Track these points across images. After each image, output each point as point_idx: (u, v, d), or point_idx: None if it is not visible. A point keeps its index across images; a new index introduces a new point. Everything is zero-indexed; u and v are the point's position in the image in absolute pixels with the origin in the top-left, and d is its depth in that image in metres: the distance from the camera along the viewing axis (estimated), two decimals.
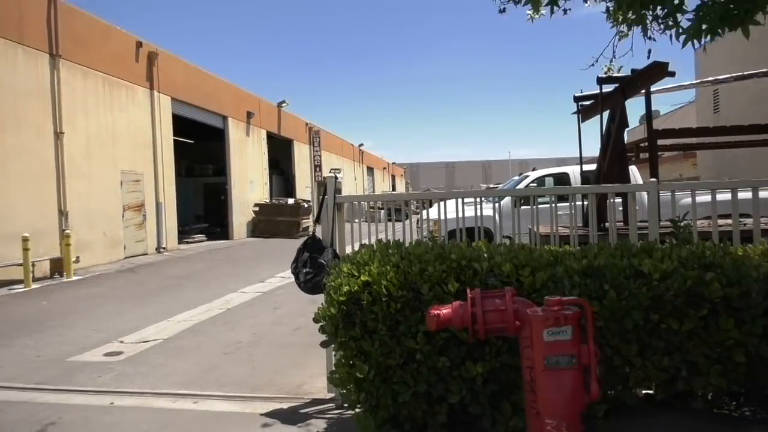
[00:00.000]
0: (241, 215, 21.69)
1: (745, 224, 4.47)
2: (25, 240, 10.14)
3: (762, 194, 4.01)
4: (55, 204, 12.14)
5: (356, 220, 4.74)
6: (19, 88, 11.30)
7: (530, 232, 4.55)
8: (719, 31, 3.11)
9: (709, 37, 3.14)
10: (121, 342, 6.30)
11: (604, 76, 5.43)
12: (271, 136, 25.19)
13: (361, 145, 42.97)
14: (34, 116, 11.66)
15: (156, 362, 5.50)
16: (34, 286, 10.33)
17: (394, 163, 60.76)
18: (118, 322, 7.25)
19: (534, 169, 12.04)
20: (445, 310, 2.73)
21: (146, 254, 15.28)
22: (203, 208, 24.76)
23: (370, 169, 47.88)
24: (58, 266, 11.50)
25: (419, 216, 6.25)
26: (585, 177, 7.19)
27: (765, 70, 10.11)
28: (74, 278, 11.29)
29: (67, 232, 11.52)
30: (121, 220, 14.43)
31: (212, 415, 4.09)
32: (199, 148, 22.84)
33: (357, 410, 3.35)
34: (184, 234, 18.84)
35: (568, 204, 4.70)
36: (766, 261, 3.04)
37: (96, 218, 13.32)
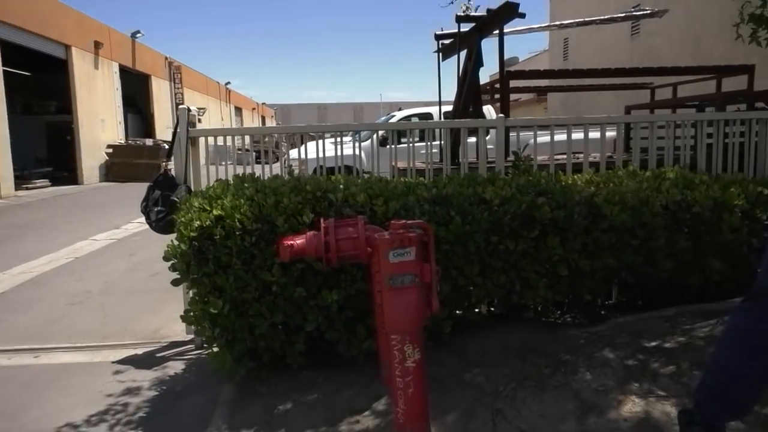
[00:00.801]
0: (91, 158, 19.76)
1: (577, 157, 4.95)
2: None
3: (592, 134, 4.45)
4: None
5: (222, 163, 4.54)
6: None
7: (390, 167, 4.67)
8: None
9: None
10: None
11: (463, 14, 5.57)
12: (125, 71, 22.89)
13: (227, 83, 40.69)
14: None
15: None
16: None
17: (264, 104, 58.53)
18: None
19: (400, 110, 12.28)
20: (299, 240, 2.73)
21: None
22: (46, 150, 22.07)
23: (239, 110, 45.74)
24: None
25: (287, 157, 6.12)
26: (446, 117, 7.47)
27: (605, 17, 11.05)
28: None
29: None
30: None
31: (57, 368, 3.83)
32: (39, 82, 20.08)
33: (214, 348, 3.32)
34: (23, 179, 16.76)
35: (433, 143, 4.85)
36: (589, 187, 3.41)
37: None
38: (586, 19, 10.41)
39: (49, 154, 21.61)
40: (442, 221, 3.09)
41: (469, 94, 5.62)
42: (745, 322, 2.09)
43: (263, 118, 56.65)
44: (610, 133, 5.69)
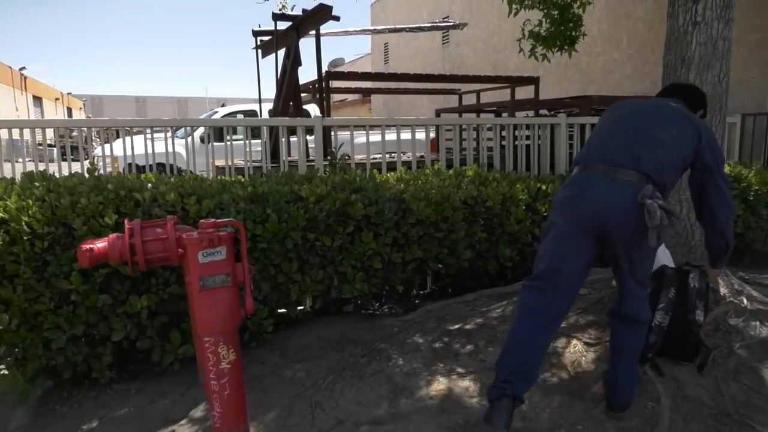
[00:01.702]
0: None
1: (392, 156, 5.28)
2: None
3: (403, 135, 4.77)
4: None
5: (19, 159, 4.00)
6: None
7: (207, 165, 4.53)
8: None
9: None
10: None
11: (279, 12, 5.57)
12: None
13: (23, 68, 35.50)
14: None
15: None
16: None
17: (69, 94, 52.21)
18: None
19: (223, 105, 11.87)
20: (99, 244, 2.51)
21: None
22: None
23: (38, 99, 40.18)
24: None
25: (96, 153, 5.57)
26: (271, 113, 7.41)
27: (415, 26, 11.89)
28: None
29: None
30: None
31: None
32: None
33: (2, 369, 2.93)
34: None
35: (256, 141, 4.79)
36: (398, 184, 3.66)
37: None
38: (398, 26, 11.11)
39: None
40: (259, 219, 3.09)
41: (289, 93, 5.65)
42: (537, 299, 2.39)
43: (69, 110, 50.55)
44: (421, 135, 6.16)
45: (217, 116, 10.29)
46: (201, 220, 2.32)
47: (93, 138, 6.58)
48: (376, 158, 5.02)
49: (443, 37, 17.51)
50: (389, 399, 2.75)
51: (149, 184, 3.10)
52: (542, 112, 7.94)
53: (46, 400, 2.95)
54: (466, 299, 3.82)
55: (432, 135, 6.87)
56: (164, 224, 2.64)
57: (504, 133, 5.20)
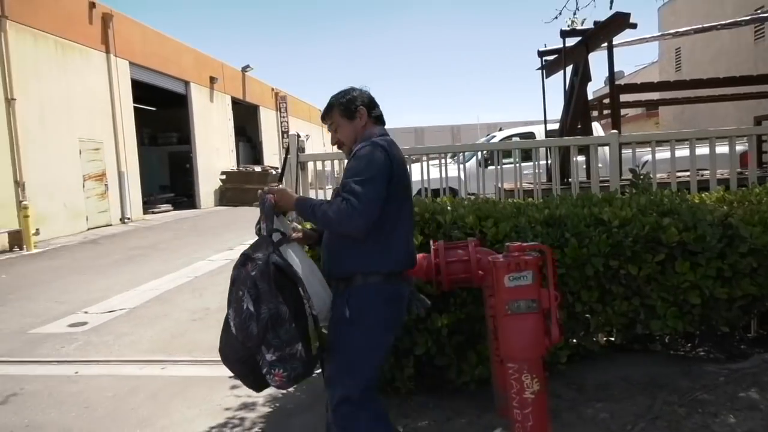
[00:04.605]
0: (207, 184, 21.28)
1: (702, 174, 4.57)
2: None
3: (719, 149, 4.10)
4: (11, 175, 11.66)
5: (327, 186, 4.68)
6: None
7: (495, 188, 4.58)
8: None
9: None
10: (86, 313, 6.17)
11: (568, 29, 5.39)
12: (236, 103, 24.56)
13: None
14: None
15: (122, 331, 5.41)
16: None
17: None
18: (82, 294, 7.09)
19: (500, 130, 12.07)
20: None
21: (110, 225, 14.90)
22: (169, 177, 24.12)
23: None
24: (17, 239, 11.13)
25: None
26: (550, 135, 7.23)
27: (725, 22, 10.23)
28: (35, 251, 10.97)
29: (24, 204, 11.12)
30: (82, 190, 13.98)
31: (181, 380, 4.07)
32: (162, 116, 22.10)
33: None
34: (149, 204, 18.40)
35: (532, 162, 4.72)
36: (721, 206, 3.11)
37: (55, 189, 12.87)
38: (706, 25, 9.68)
39: (171, 182, 23.62)
40: (556, 244, 2.94)
41: (577, 111, 5.39)
42: None
43: None
44: (739, 147, 5.20)
45: (495, 140, 10.50)
46: (507, 243, 2.29)
47: None
48: (680, 176, 4.40)
49: (756, 31, 14.84)
50: None
51: (448, 207, 3.23)
52: None
53: None
54: None
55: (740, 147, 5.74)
56: (465, 246, 2.72)
57: None
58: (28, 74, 12.25)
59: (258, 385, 2.09)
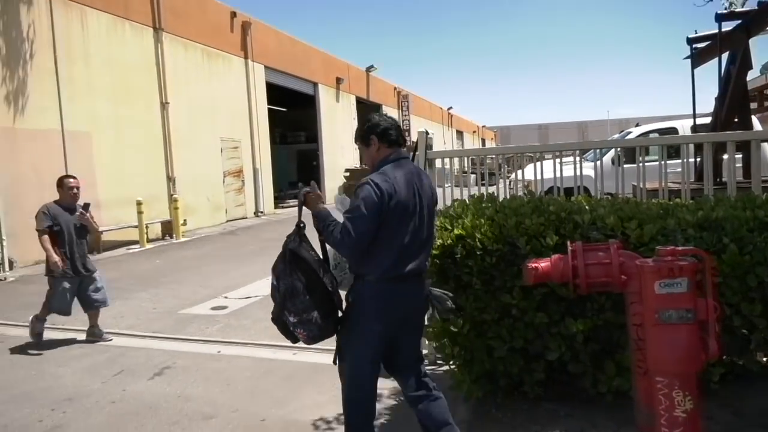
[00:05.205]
0: (332, 180, 22.16)
1: None
2: (139, 204, 10.98)
3: None
4: (164, 171, 13.01)
5: (446, 185, 4.67)
6: (129, 61, 12.08)
7: (634, 188, 4.25)
8: None
9: None
10: (226, 297, 6.70)
11: (725, 12, 4.85)
12: (360, 102, 25.34)
13: (450, 108, 42.20)
14: (142, 88, 12.45)
15: (257, 316, 5.79)
16: (148, 246, 11.22)
17: (484, 127, 59.25)
18: (223, 280, 7.71)
19: (637, 125, 11.21)
20: (543, 264, 2.60)
21: (245, 218, 16.09)
22: (296, 174, 25.55)
23: (460, 133, 47.05)
24: (168, 228, 12.40)
25: (511, 178, 6.03)
26: (699, 130, 6.58)
27: None
28: (183, 239, 12.13)
29: (175, 197, 12.34)
30: (222, 185, 15.23)
31: (310, 366, 4.26)
32: (292, 116, 23.39)
33: (450, 365, 3.34)
34: (279, 199, 19.59)
35: (676, 161, 4.33)
36: None
37: (200, 184, 14.15)
38: None
39: (299, 178, 24.94)
40: (712, 249, 2.66)
41: (735, 103, 4.84)
42: None
43: (483, 140, 57.33)
44: None
45: (630, 137, 9.79)
46: (659, 247, 2.12)
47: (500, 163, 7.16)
48: None
49: None
50: None
51: (586, 207, 3.06)
52: None
53: (484, 401, 3.21)
54: None
55: None
56: (607, 248, 2.54)
57: None
58: (179, 80, 13.57)
59: (292, 339, 2.62)
